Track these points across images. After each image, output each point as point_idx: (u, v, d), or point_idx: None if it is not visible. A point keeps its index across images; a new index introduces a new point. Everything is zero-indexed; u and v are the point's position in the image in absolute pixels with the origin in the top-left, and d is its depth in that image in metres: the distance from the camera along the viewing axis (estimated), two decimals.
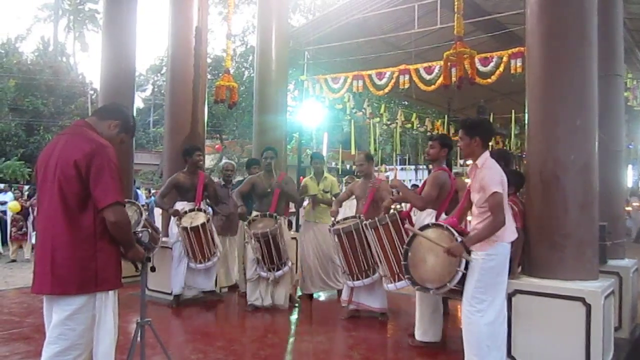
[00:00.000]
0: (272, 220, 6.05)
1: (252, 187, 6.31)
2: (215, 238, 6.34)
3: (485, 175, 3.74)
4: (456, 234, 3.90)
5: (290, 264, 6.13)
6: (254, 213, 6.26)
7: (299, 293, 6.95)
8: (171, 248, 6.40)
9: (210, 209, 6.60)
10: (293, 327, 5.74)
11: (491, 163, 3.84)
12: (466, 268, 3.82)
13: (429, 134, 17.84)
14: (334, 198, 6.69)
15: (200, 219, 6.18)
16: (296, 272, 6.84)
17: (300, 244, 6.96)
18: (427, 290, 4.06)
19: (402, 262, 4.23)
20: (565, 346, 3.78)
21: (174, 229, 6.34)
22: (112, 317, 2.82)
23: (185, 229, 6.10)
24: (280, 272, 6.04)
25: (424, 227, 4.22)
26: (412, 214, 5.10)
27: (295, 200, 6.62)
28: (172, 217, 6.32)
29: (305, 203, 6.90)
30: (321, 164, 7.12)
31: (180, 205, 6.39)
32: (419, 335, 4.79)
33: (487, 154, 3.89)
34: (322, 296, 7.02)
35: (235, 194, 6.32)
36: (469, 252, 3.77)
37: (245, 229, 6.05)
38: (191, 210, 6.28)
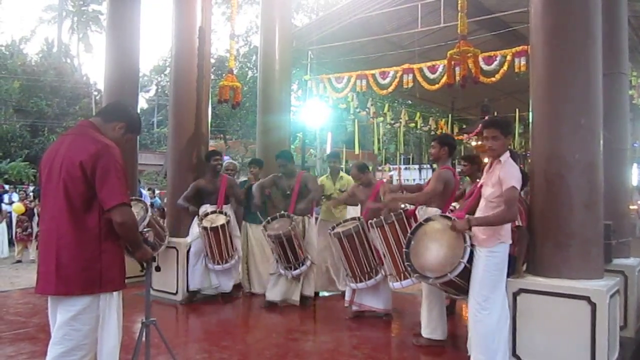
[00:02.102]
0: (287, 220, 6.09)
1: (274, 184, 6.43)
2: (235, 241, 6.41)
3: (508, 171, 3.77)
4: None
5: (309, 263, 6.15)
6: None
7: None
8: (176, 248, 6.43)
9: (231, 212, 6.64)
10: (297, 326, 5.74)
11: (512, 161, 3.90)
12: (469, 261, 3.83)
13: (432, 133, 17.86)
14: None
15: (220, 220, 6.26)
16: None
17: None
18: (426, 279, 4.05)
19: (404, 250, 4.21)
20: (570, 345, 3.77)
21: (194, 228, 6.40)
22: (117, 317, 2.82)
23: (205, 228, 6.18)
24: (297, 271, 6.08)
25: (431, 218, 4.22)
26: (417, 212, 5.09)
27: (314, 193, 6.40)
28: (196, 218, 6.40)
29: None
30: (337, 163, 7.13)
31: (203, 208, 6.49)
32: (427, 333, 4.79)
33: (509, 152, 3.95)
34: (326, 295, 7.02)
35: (256, 186, 6.42)
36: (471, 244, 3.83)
37: (262, 230, 6.14)
38: (213, 212, 6.37)
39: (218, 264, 6.27)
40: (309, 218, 6.39)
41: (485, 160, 4.18)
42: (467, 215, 3.91)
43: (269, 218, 6.22)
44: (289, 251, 5.98)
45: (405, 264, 4.19)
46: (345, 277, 5.77)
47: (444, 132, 15.73)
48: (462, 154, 19.89)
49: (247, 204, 6.83)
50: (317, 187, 6.45)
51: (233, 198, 6.73)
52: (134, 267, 3.13)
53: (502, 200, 3.74)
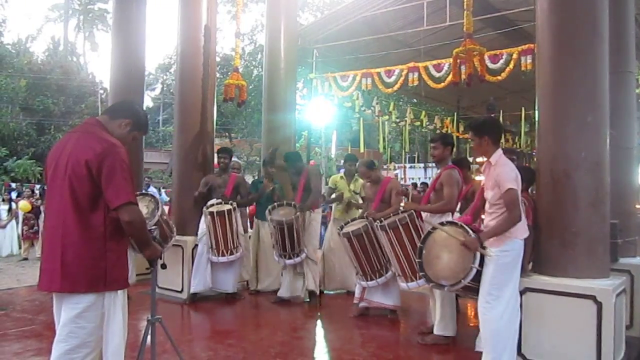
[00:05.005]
0: (292, 209, 6.19)
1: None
2: (240, 234, 6.39)
3: (500, 172, 3.76)
4: (470, 231, 3.91)
5: (304, 255, 6.18)
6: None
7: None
8: (181, 246, 6.44)
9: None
10: (303, 324, 5.75)
11: (505, 160, 3.87)
12: (481, 264, 3.82)
13: (438, 131, 17.82)
14: (360, 199, 6.86)
15: (226, 206, 6.31)
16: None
17: (327, 241, 7.01)
18: (442, 287, 4.06)
19: (417, 260, 4.22)
20: (576, 344, 3.76)
21: (203, 224, 6.41)
22: (122, 315, 2.82)
23: (211, 213, 6.21)
24: (291, 260, 6.14)
25: (437, 226, 4.22)
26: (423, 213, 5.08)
27: (313, 194, 6.45)
28: (203, 210, 6.41)
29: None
30: (354, 166, 7.11)
31: (210, 202, 6.50)
32: (439, 330, 4.81)
33: (500, 151, 3.92)
34: (331, 293, 7.02)
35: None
36: (483, 247, 3.80)
37: (267, 214, 6.24)
38: (218, 203, 6.41)
39: (223, 255, 6.22)
40: (311, 212, 6.42)
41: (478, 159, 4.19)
42: (474, 235, 3.88)
43: (275, 204, 6.33)
44: (287, 239, 6.06)
45: (420, 274, 4.20)
46: (355, 275, 5.77)
47: (443, 132, 15.65)
48: (468, 152, 19.87)
49: (258, 201, 6.97)
50: (317, 186, 6.50)
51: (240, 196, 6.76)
52: (139, 265, 3.14)
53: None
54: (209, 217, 6.23)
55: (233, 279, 6.55)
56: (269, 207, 6.31)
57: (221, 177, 6.66)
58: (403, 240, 4.87)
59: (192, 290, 6.37)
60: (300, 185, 6.43)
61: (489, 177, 3.88)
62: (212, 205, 6.38)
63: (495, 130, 4.01)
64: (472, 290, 3.98)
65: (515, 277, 3.83)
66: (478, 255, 3.79)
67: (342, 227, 5.71)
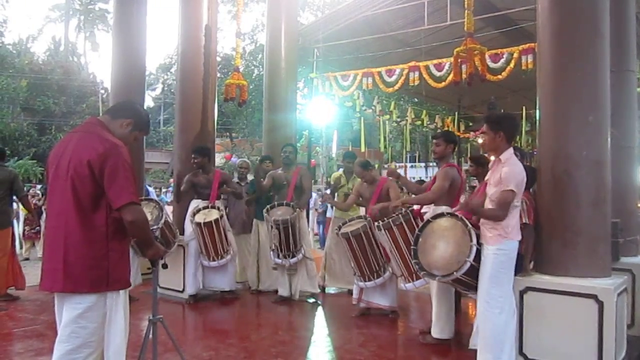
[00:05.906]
0: (289, 208, 6.18)
1: (272, 180, 6.55)
2: (229, 236, 6.38)
3: (508, 171, 3.74)
4: (469, 224, 3.92)
5: (303, 252, 6.20)
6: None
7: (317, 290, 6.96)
8: (183, 246, 6.44)
9: (223, 207, 6.67)
10: (304, 324, 5.75)
11: (516, 160, 3.85)
12: (476, 260, 3.82)
13: (438, 130, 17.84)
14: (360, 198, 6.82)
15: (213, 215, 6.24)
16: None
17: (329, 239, 7.02)
18: (434, 277, 4.06)
19: (412, 247, 4.22)
20: (577, 344, 3.75)
21: (189, 226, 6.39)
22: (123, 315, 2.82)
23: (198, 224, 6.15)
24: (294, 259, 6.15)
25: (438, 215, 4.23)
26: (422, 211, 5.09)
27: (306, 194, 6.62)
28: (187, 215, 6.38)
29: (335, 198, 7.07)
30: (352, 163, 7.11)
31: (194, 203, 6.46)
32: (436, 333, 4.78)
33: (511, 150, 3.89)
34: (332, 291, 7.02)
35: (256, 180, 6.67)
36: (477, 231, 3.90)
37: (265, 216, 6.18)
38: (205, 208, 6.34)
39: (213, 260, 6.23)
40: (300, 211, 6.41)
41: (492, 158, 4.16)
42: (474, 231, 3.89)
43: (267, 206, 6.29)
44: (291, 238, 6.05)
45: (413, 261, 4.19)
46: (353, 276, 5.78)
47: (443, 130, 15.70)
48: (469, 152, 19.94)
49: (257, 201, 6.92)
50: (309, 187, 6.64)
51: (229, 194, 6.74)
52: (141, 264, 3.14)
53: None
54: (196, 227, 6.18)
55: (229, 277, 6.56)
56: (267, 207, 6.27)
57: (204, 177, 6.49)
58: (398, 241, 4.87)
59: (189, 293, 6.38)
60: (292, 184, 6.43)
61: (495, 173, 3.86)
62: (199, 210, 6.30)
63: (512, 128, 3.99)
64: (465, 284, 4.00)
65: (510, 277, 3.85)
66: (474, 249, 3.80)
67: (339, 228, 5.71)
